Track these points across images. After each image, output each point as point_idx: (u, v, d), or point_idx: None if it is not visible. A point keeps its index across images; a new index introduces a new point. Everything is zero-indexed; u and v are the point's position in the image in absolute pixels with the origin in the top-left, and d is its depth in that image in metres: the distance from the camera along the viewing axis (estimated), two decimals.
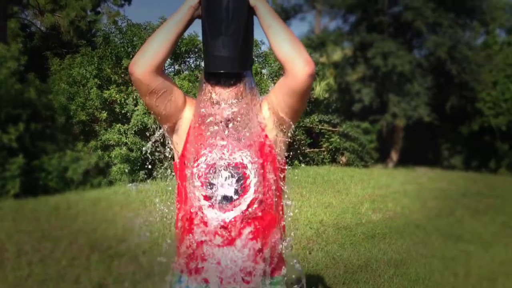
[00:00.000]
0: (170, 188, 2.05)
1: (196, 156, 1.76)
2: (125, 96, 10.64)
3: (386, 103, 13.55)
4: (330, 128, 13.26)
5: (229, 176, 1.74)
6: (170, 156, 1.89)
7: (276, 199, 1.81)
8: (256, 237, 1.75)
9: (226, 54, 1.60)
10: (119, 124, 10.51)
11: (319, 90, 14.64)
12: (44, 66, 13.54)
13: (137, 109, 10.29)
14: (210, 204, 1.75)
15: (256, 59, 13.03)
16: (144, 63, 1.63)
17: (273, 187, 1.78)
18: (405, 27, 14.19)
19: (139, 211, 6.57)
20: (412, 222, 6.47)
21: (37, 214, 6.11)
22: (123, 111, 10.59)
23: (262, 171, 1.75)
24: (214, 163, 1.74)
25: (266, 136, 1.76)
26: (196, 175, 1.75)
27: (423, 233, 5.95)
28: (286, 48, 1.60)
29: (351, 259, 4.86)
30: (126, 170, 9.87)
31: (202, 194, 1.75)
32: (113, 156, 9.89)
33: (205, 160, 1.75)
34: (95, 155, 10.34)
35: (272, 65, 12.24)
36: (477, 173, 13.25)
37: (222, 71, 1.62)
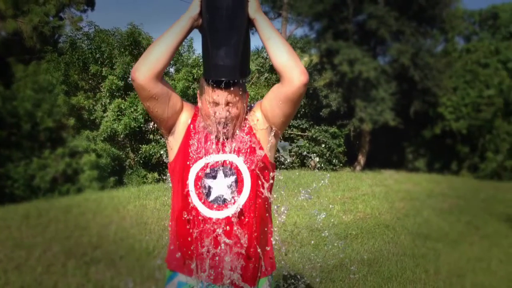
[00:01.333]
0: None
1: (192, 157, 1.84)
2: (93, 103, 10.51)
3: (353, 108, 13.87)
4: (299, 133, 13.47)
5: (224, 177, 1.82)
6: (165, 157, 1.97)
7: (266, 201, 1.90)
8: (249, 236, 1.83)
9: (228, 63, 1.70)
10: (88, 131, 10.37)
11: None
12: (7, 72, 13.18)
13: (106, 116, 10.19)
14: (204, 203, 1.82)
15: None
16: (146, 70, 1.71)
17: (266, 188, 1.87)
18: (370, 34, 14.59)
19: (112, 218, 6.52)
20: (382, 223, 6.65)
21: (7, 223, 5.96)
22: (91, 118, 10.45)
23: (256, 172, 1.84)
24: (210, 164, 1.82)
25: (258, 140, 1.86)
26: (192, 176, 1.83)
27: (393, 233, 6.12)
28: (284, 58, 1.72)
29: (326, 259, 4.98)
30: (96, 177, 9.74)
31: (197, 194, 1.82)
32: (83, 163, 9.74)
33: (201, 161, 1.83)
34: (62, 162, 10.16)
35: None
36: (440, 175, 13.70)
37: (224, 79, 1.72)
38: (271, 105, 1.82)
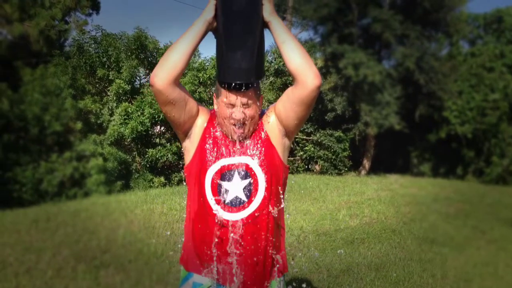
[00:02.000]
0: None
1: (208, 159, 1.88)
2: (100, 106, 10.59)
3: (358, 112, 13.89)
4: (304, 137, 13.50)
5: (240, 179, 1.86)
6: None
7: (280, 203, 1.94)
8: (264, 238, 1.87)
9: (244, 66, 1.73)
10: (95, 135, 10.44)
11: None
12: (14, 76, 13.28)
13: (113, 119, 10.27)
14: (220, 205, 1.86)
15: None
16: (164, 76, 1.76)
17: (280, 191, 1.92)
18: (374, 38, 14.62)
19: (120, 222, 6.57)
20: (388, 227, 6.68)
21: (16, 227, 6.02)
22: (98, 121, 10.53)
23: (270, 174, 1.88)
24: (226, 166, 1.87)
25: (272, 142, 1.91)
26: (209, 178, 1.87)
27: (400, 237, 6.15)
28: (299, 61, 1.76)
29: (333, 264, 5.01)
30: (103, 181, 9.80)
31: (213, 196, 1.87)
32: (90, 167, 9.80)
33: (217, 163, 1.88)
34: (70, 166, 10.22)
35: None
36: (445, 179, 13.70)
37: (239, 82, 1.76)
38: (285, 108, 1.87)
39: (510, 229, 6.91)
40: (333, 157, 13.48)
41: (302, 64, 1.76)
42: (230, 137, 1.88)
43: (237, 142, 1.86)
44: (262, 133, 1.90)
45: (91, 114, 10.62)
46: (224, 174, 1.86)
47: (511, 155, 14.50)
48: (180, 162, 11.69)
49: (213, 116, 1.94)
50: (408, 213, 7.73)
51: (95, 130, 10.64)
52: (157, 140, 12.21)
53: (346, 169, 13.88)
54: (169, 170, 12.08)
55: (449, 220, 7.40)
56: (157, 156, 11.13)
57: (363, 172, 14.34)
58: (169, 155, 11.09)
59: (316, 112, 14.79)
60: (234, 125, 1.83)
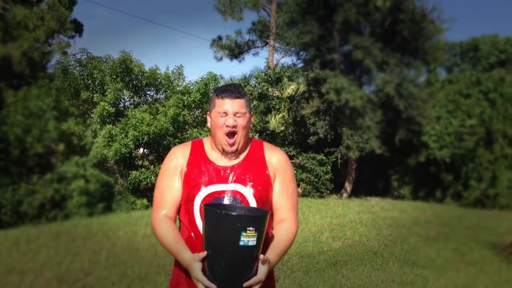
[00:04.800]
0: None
1: (198, 184, 1.94)
2: (83, 128, 10.57)
3: (340, 136, 14.09)
4: None
5: (229, 203, 1.91)
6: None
7: (271, 232, 2.01)
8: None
9: None
10: (77, 157, 10.39)
11: (275, 123, 15.07)
12: None
13: (97, 141, 10.25)
14: None
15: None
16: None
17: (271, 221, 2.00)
18: (356, 64, 14.96)
19: (103, 244, 6.53)
20: (370, 249, 6.77)
21: None
22: (81, 143, 10.50)
23: (261, 198, 1.94)
24: (216, 192, 1.92)
25: (269, 176, 1.99)
26: (197, 204, 1.92)
27: (381, 260, 6.24)
28: None
29: (317, 286, 5.06)
30: (84, 203, 9.71)
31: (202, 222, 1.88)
32: (71, 188, 9.72)
33: (207, 188, 1.93)
34: (51, 188, 10.12)
35: None
36: (424, 202, 13.92)
37: None
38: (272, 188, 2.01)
39: (488, 252, 7.05)
40: (316, 180, 13.60)
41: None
42: (221, 150, 1.96)
43: (228, 152, 1.95)
44: (262, 165, 1.99)
45: (74, 136, 10.58)
46: (214, 201, 1.91)
47: (488, 179, 14.83)
48: None
49: (194, 146, 2.03)
50: (390, 236, 7.85)
51: (78, 152, 10.59)
52: (140, 162, 12.17)
53: (328, 191, 14.00)
54: (151, 192, 12.01)
55: (430, 242, 7.52)
56: (140, 178, 11.09)
57: (344, 195, 14.47)
58: (152, 177, 11.07)
59: (299, 136, 14.97)
60: (227, 134, 1.92)
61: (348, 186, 14.78)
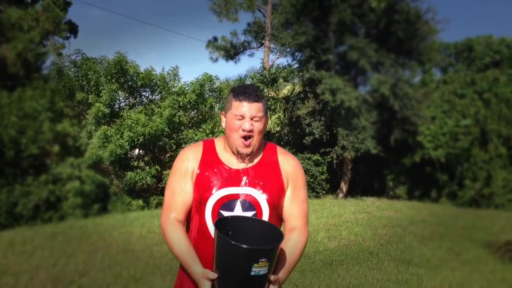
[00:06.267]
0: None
1: (208, 189, 1.90)
2: (78, 129, 10.54)
3: (336, 136, 14.13)
4: None
5: (241, 210, 1.88)
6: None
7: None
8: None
9: None
10: (72, 158, 10.36)
11: (271, 123, 15.09)
12: None
13: (92, 142, 10.22)
14: None
15: (210, 93, 13.31)
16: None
17: (281, 219, 1.99)
18: (351, 65, 15.01)
19: (98, 245, 6.51)
20: (366, 249, 6.78)
21: None
22: (76, 144, 10.47)
23: (275, 211, 1.93)
24: (229, 195, 1.89)
25: (283, 183, 1.96)
26: (209, 207, 1.89)
27: (377, 259, 6.25)
28: None
29: (313, 285, 5.06)
30: (79, 204, 9.68)
31: (213, 225, 1.84)
32: (67, 190, 9.69)
33: (220, 191, 1.90)
34: (45, 189, 10.08)
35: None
36: (420, 202, 13.95)
37: None
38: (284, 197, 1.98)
39: (483, 251, 7.08)
40: (311, 180, 13.64)
41: None
42: (235, 152, 1.92)
43: (243, 155, 1.91)
44: (277, 171, 1.96)
45: (69, 137, 10.54)
46: (226, 204, 1.88)
47: (483, 178, 14.90)
48: (159, 185, 11.63)
49: (206, 147, 1.99)
50: (385, 235, 7.86)
51: (73, 153, 10.55)
52: (136, 163, 12.15)
53: (324, 192, 14.03)
54: (147, 193, 12.00)
55: (425, 242, 7.54)
56: (136, 179, 11.06)
57: (340, 195, 14.50)
58: (147, 178, 11.06)
59: (295, 136, 14.99)
60: (243, 137, 1.88)
61: (343, 186, 14.82)
